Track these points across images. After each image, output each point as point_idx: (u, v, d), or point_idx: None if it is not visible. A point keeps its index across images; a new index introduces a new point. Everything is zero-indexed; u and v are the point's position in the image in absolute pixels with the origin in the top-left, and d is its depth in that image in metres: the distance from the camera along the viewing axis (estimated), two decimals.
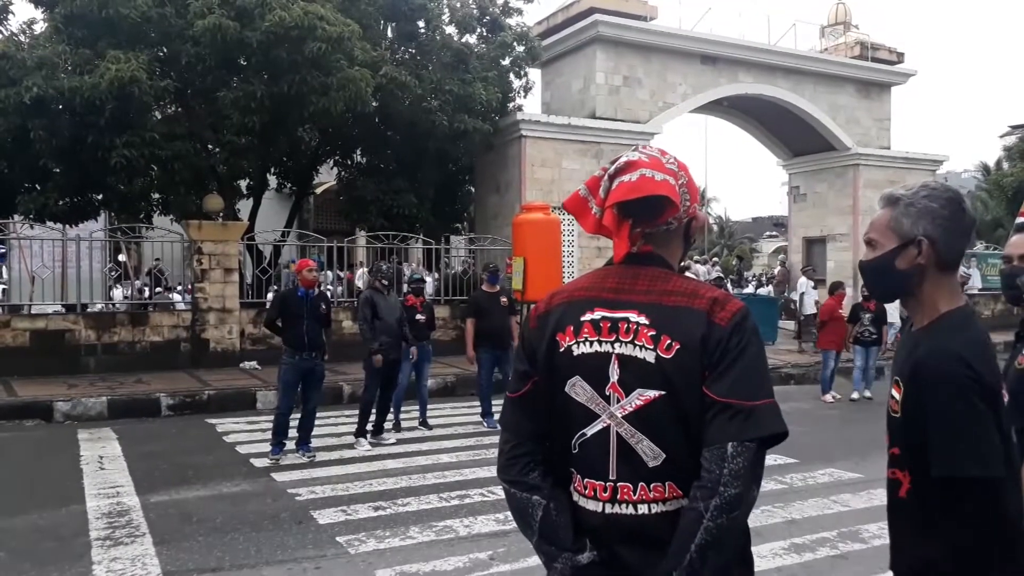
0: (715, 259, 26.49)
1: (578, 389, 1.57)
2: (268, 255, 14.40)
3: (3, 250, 13.27)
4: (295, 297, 7.16)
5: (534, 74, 17.48)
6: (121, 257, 13.73)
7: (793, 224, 21.61)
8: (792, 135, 20.02)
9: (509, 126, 15.44)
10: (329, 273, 14.32)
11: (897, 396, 1.65)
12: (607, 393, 1.54)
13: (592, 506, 1.57)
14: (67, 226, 12.59)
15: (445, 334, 13.15)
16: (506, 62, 15.93)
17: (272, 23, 11.46)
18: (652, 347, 1.51)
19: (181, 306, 13.53)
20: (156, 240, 14.25)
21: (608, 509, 1.54)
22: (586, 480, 1.57)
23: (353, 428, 7.79)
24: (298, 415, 7.19)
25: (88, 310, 11.94)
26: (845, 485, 6.22)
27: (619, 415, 1.53)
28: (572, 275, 14.00)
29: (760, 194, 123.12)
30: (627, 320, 1.54)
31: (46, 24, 13.15)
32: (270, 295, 12.36)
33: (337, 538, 4.94)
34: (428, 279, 14.49)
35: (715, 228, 47.42)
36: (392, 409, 8.17)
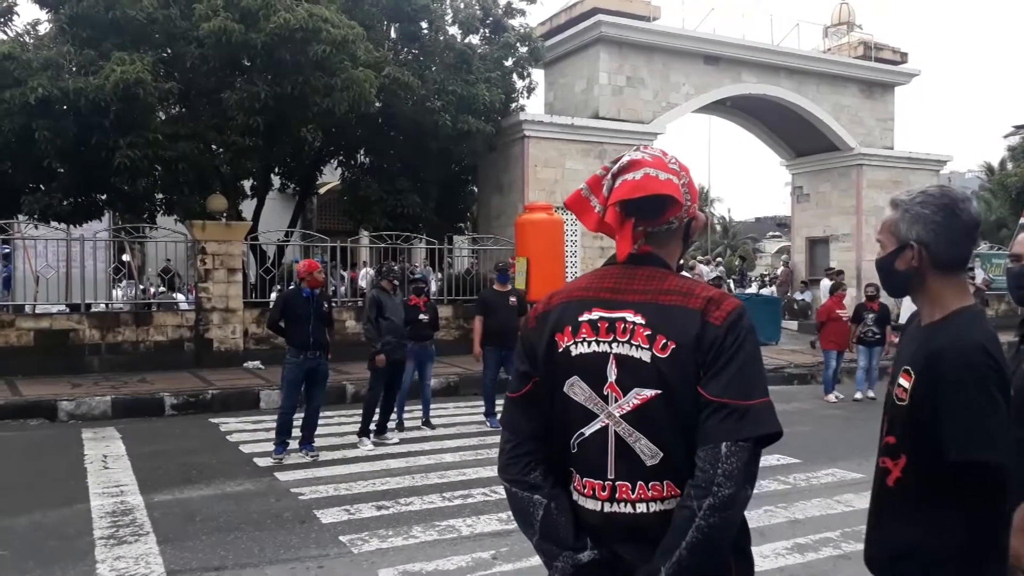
0: (718, 259, 26.47)
1: (576, 389, 1.58)
2: (272, 255, 14.43)
3: (8, 250, 13.30)
4: (300, 297, 7.17)
5: (537, 75, 17.51)
6: (125, 257, 13.76)
7: (796, 224, 21.59)
8: (795, 135, 20.00)
9: (512, 126, 15.45)
10: (342, 274, 14.33)
11: (906, 384, 1.70)
12: (605, 393, 1.55)
13: (591, 505, 1.57)
14: (71, 226, 12.63)
15: (448, 334, 13.17)
16: (509, 63, 15.94)
17: (277, 25, 11.48)
18: (648, 347, 1.51)
19: (185, 306, 13.56)
20: (160, 240, 14.28)
21: (607, 508, 1.55)
22: (585, 479, 1.58)
23: (356, 428, 7.81)
24: (301, 414, 7.21)
25: (92, 310, 11.98)
26: (848, 485, 6.22)
27: (617, 414, 1.53)
28: (575, 275, 14.00)
29: (763, 194, 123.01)
30: (624, 320, 1.55)
31: (51, 25, 13.21)
32: (273, 295, 12.39)
33: (340, 537, 4.95)
34: (432, 279, 14.51)
35: (718, 228, 47.37)
36: (395, 409, 8.18)
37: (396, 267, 8.23)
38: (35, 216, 12.52)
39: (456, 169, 17.26)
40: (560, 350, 1.60)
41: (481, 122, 14.39)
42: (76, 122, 11.72)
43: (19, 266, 12.23)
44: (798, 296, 20.21)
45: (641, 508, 1.53)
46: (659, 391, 1.50)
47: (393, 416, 8.15)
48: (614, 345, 1.55)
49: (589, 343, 1.57)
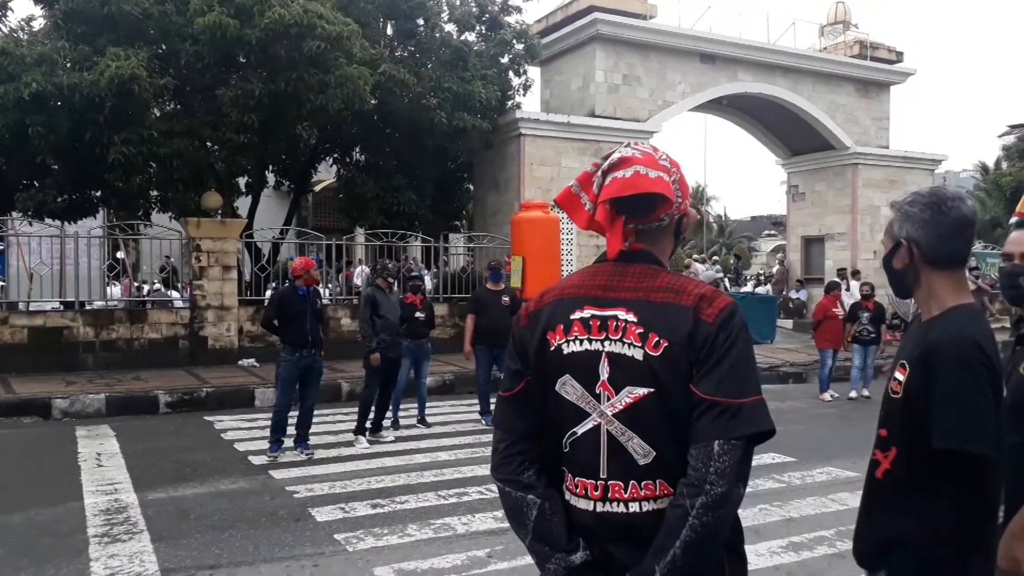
0: (715, 258, 26.49)
1: (568, 388, 1.57)
2: (267, 253, 14.39)
3: (1, 247, 13.25)
4: (295, 295, 7.14)
5: (533, 72, 17.47)
6: (119, 254, 13.72)
7: (792, 223, 21.61)
8: (791, 134, 20.02)
9: (508, 124, 15.43)
10: (338, 269, 14.30)
11: (900, 378, 1.76)
12: (597, 391, 1.54)
13: (583, 505, 1.57)
14: (65, 223, 12.58)
15: (444, 332, 13.16)
16: (505, 60, 15.91)
17: (271, 20, 11.46)
18: (640, 344, 1.51)
19: (179, 303, 13.52)
20: (155, 237, 14.25)
21: (599, 508, 1.55)
22: (577, 479, 1.57)
23: (351, 426, 7.80)
24: (296, 412, 7.19)
25: (86, 307, 11.93)
26: (843, 484, 6.23)
27: (609, 413, 1.53)
28: (570, 273, 13.98)
29: (759, 193, 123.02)
30: (616, 318, 1.54)
31: (46, 20, 13.15)
32: (268, 293, 12.36)
33: (335, 535, 4.94)
34: (427, 277, 14.49)
35: (714, 227, 47.38)
36: (391, 407, 8.17)
37: (392, 265, 8.21)
38: (29, 213, 12.47)
39: (452, 167, 17.24)
40: (552, 348, 1.59)
41: (477, 119, 14.38)
42: (70, 118, 11.67)
43: (13, 263, 12.17)
44: (793, 295, 20.24)
45: (634, 507, 1.52)
46: (651, 389, 1.49)
47: (388, 414, 8.14)
48: (606, 343, 1.54)
49: (581, 341, 1.56)
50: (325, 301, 9.19)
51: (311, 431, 7.32)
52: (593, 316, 1.57)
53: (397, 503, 5.65)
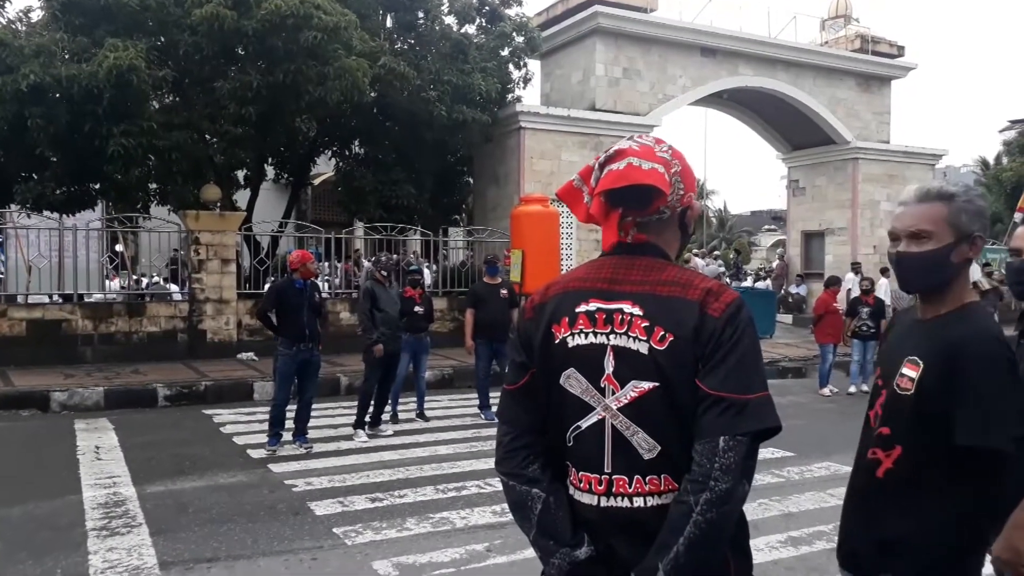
0: (715, 253, 26.47)
1: (573, 381, 1.55)
2: (266, 246, 14.36)
3: (0, 239, 13.23)
4: (293, 288, 7.10)
5: (533, 65, 17.42)
6: (118, 247, 13.69)
7: (792, 218, 21.59)
8: (792, 128, 19.98)
9: (508, 117, 15.39)
10: (336, 265, 14.28)
11: (912, 375, 1.72)
12: (602, 385, 1.52)
13: (587, 499, 1.55)
14: (64, 215, 12.54)
15: (443, 326, 13.14)
16: (505, 53, 15.85)
17: (268, 11, 11.40)
18: (645, 338, 1.49)
19: (178, 297, 13.50)
20: (153, 230, 14.22)
21: (603, 502, 1.53)
22: (581, 473, 1.56)
23: (350, 420, 7.79)
24: (295, 406, 7.18)
25: (85, 300, 11.91)
26: (842, 479, 6.18)
27: (614, 407, 1.51)
28: (571, 267, 13.97)
29: (759, 187, 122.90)
30: (621, 311, 1.52)
31: (43, 12, 13.10)
32: (267, 286, 12.34)
33: (334, 529, 4.94)
34: (426, 271, 14.47)
35: (714, 221, 47.34)
36: (390, 401, 8.16)
37: (386, 258, 8.19)
38: (27, 205, 12.44)
39: (452, 160, 17.19)
40: (557, 342, 1.57)
41: (477, 113, 14.33)
42: (69, 110, 11.62)
43: (11, 255, 12.15)
44: (793, 289, 20.24)
45: (638, 502, 1.51)
46: (657, 384, 1.47)
47: (388, 408, 8.13)
48: (611, 337, 1.52)
49: (586, 335, 1.54)
50: (324, 295, 9.15)
51: (310, 425, 7.31)
52: (599, 309, 1.55)
53: (396, 497, 5.64)
